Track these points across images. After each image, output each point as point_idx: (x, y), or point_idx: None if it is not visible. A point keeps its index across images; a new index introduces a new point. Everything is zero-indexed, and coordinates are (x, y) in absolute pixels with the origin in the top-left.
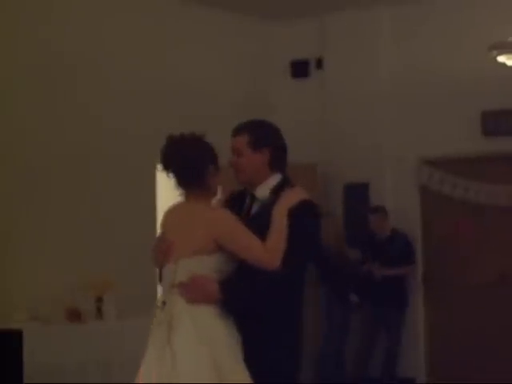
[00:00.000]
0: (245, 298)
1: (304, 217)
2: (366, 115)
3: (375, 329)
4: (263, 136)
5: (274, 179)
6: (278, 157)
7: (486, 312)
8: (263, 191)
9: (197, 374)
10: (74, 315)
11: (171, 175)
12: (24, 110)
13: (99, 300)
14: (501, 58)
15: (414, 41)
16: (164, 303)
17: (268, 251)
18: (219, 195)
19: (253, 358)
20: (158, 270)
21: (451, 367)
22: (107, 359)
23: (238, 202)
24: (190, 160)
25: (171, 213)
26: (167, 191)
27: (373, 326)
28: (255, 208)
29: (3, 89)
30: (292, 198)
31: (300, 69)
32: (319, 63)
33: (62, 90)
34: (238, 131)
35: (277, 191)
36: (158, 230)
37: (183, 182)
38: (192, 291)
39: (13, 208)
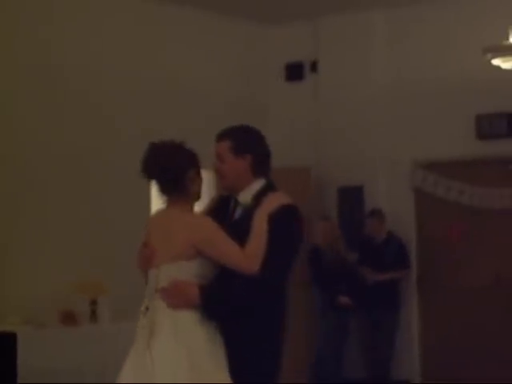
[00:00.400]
0: (224, 302)
1: (283, 221)
2: (360, 118)
3: (371, 331)
4: (245, 142)
5: (257, 184)
6: (260, 162)
7: (481, 314)
8: (245, 196)
9: (175, 378)
10: (68, 318)
11: (152, 182)
12: (24, 111)
13: (93, 303)
14: (495, 61)
15: (408, 44)
16: (147, 308)
17: (246, 256)
18: (204, 199)
19: (235, 360)
20: (144, 275)
21: (446, 369)
22: (102, 362)
23: (223, 207)
24: (168, 167)
25: (154, 218)
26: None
27: (369, 328)
28: (238, 213)
29: (3, 89)
30: (272, 202)
31: (294, 72)
32: (313, 66)
33: (60, 91)
34: (220, 137)
35: (259, 196)
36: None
37: (163, 188)
38: (172, 296)
39: (8, 211)
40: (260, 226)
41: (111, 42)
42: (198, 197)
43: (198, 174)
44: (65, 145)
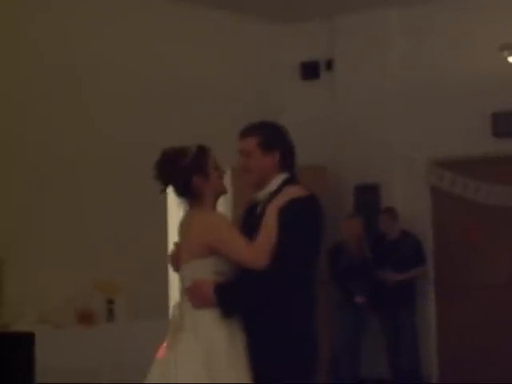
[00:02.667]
0: (237, 299)
1: (292, 214)
2: (376, 117)
3: (392, 330)
4: (273, 138)
5: (278, 179)
6: (286, 158)
7: (498, 312)
8: (265, 193)
9: (191, 376)
10: (86, 317)
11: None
12: (31, 111)
13: (110, 302)
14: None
15: (424, 41)
16: (179, 306)
17: (254, 251)
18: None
19: (256, 357)
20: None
21: (463, 367)
22: (119, 361)
23: (253, 211)
24: (173, 173)
25: (181, 220)
26: None
27: (389, 327)
28: (259, 209)
29: (8, 92)
30: (283, 197)
31: (310, 70)
32: (329, 64)
33: (69, 92)
34: (247, 133)
35: (277, 192)
36: (169, 233)
37: (177, 192)
38: (193, 296)
39: (25, 209)
40: (269, 220)
41: (121, 42)
42: (219, 193)
43: (207, 175)
44: (81, 144)
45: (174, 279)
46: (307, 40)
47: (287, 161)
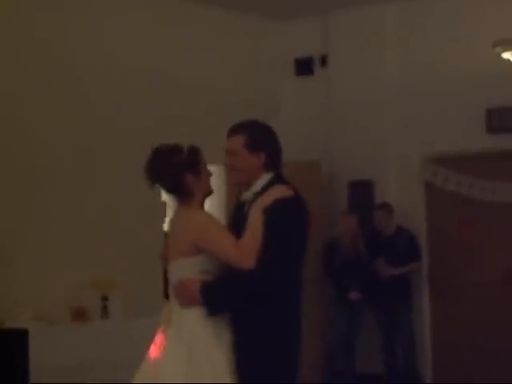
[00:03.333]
0: (222, 298)
1: (276, 215)
2: (370, 113)
3: (389, 327)
4: (260, 138)
5: (264, 179)
6: (272, 159)
7: (492, 309)
8: (250, 193)
9: (172, 374)
10: (80, 314)
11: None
12: (31, 110)
13: (105, 299)
14: (505, 55)
15: (418, 37)
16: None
17: (239, 251)
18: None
19: (243, 356)
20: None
21: (457, 365)
22: (114, 358)
23: (239, 211)
24: (168, 169)
25: (171, 217)
26: None
27: (384, 322)
28: (245, 209)
29: (9, 89)
30: (268, 197)
31: (304, 66)
32: (323, 61)
33: (69, 91)
34: (234, 131)
35: (262, 192)
36: (165, 230)
37: (166, 191)
38: (179, 294)
39: (18, 207)
40: (254, 220)
41: (123, 41)
42: (207, 193)
43: (199, 174)
44: (76, 143)
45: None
46: (301, 36)
47: (273, 161)
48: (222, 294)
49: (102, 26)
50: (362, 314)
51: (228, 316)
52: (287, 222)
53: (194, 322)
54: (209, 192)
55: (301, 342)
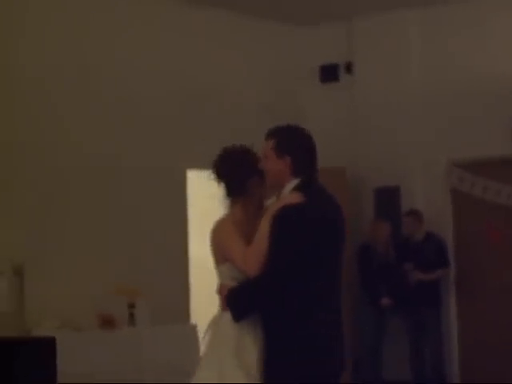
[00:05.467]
0: (240, 304)
1: (281, 222)
2: (395, 118)
3: (418, 331)
4: (286, 142)
5: (290, 185)
6: (300, 163)
7: None
8: (273, 198)
9: (200, 375)
10: (107, 322)
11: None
12: (50, 117)
13: (131, 306)
14: None
15: (444, 43)
16: None
17: (245, 258)
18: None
19: (272, 356)
20: None
21: (484, 369)
22: (140, 366)
23: None
24: (234, 171)
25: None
26: (198, 198)
27: (413, 329)
28: None
29: (26, 97)
30: (278, 204)
31: (329, 73)
32: (348, 67)
33: (86, 97)
34: (267, 136)
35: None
36: (190, 238)
37: (227, 191)
38: (220, 299)
39: (47, 215)
40: (261, 228)
41: (142, 47)
42: (258, 200)
43: (263, 179)
44: (103, 153)
45: (194, 284)
46: (326, 43)
47: (300, 166)
48: (241, 300)
49: (127, 31)
50: (390, 320)
51: (258, 319)
52: (290, 230)
53: (228, 324)
54: (260, 199)
55: (331, 342)
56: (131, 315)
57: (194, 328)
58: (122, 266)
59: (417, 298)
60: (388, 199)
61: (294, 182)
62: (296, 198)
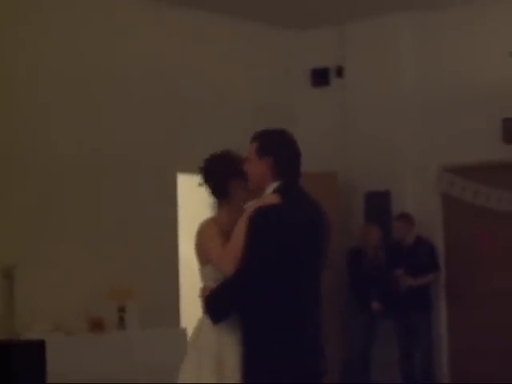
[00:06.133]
0: (217, 306)
1: (256, 223)
2: (386, 123)
3: (406, 335)
4: (268, 144)
5: (270, 188)
6: (281, 165)
7: (508, 318)
8: (253, 201)
9: (181, 378)
10: (97, 325)
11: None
12: (43, 120)
13: (121, 309)
14: None
15: (435, 48)
16: None
17: (221, 257)
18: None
19: (250, 357)
20: None
21: (474, 371)
22: (130, 369)
23: None
24: (215, 174)
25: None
26: (188, 201)
27: (403, 332)
28: None
29: (23, 100)
30: (255, 204)
31: (320, 77)
32: (340, 71)
33: (79, 99)
34: (251, 139)
35: None
36: (180, 241)
37: (210, 194)
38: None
39: (38, 218)
40: (238, 228)
41: (136, 49)
42: (239, 202)
43: (244, 181)
44: (93, 152)
45: (184, 287)
46: (318, 47)
47: (281, 169)
48: (217, 302)
49: (115, 33)
50: (381, 324)
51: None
52: (264, 230)
53: (208, 327)
54: (241, 201)
55: (310, 343)
56: (121, 319)
57: (183, 331)
58: (113, 269)
59: (407, 303)
60: (378, 203)
61: (275, 185)
62: (272, 200)
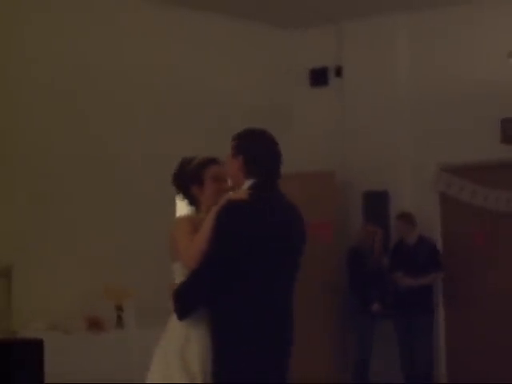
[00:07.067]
0: (177, 301)
1: (221, 216)
2: (384, 123)
3: (407, 336)
4: (240, 143)
5: (245, 185)
6: (252, 163)
7: (506, 317)
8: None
9: (149, 377)
10: (94, 324)
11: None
12: (43, 120)
13: (119, 308)
14: None
15: (433, 47)
16: None
17: (187, 250)
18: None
19: (217, 353)
20: None
21: (471, 373)
22: (128, 368)
23: None
24: (175, 182)
25: None
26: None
27: (404, 333)
28: None
29: (24, 101)
30: (223, 200)
31: (319, 77)
32: (338, 71)
33: (79, 99)
34: (231, 139)
35: None
36: None
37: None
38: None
39: (34, 217)
40: (206, 221)
41: (137, 49)
42: (209, 205)
43: (203, 185)
44: (92, 150)
45: None
46: (316, 47)
47: (253, 167)
48: (180, 297)
49: (121, 40)
50: (380, 324)
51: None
52: (228, 223)
53: (174, 323)
54: (211, 204)
55: (276, 331)
56: (119, 318)
57: None
58: (111, 268)
59: (409, 303)
60: (376, 203)
61: (247, 184)
62: (240, 195)
